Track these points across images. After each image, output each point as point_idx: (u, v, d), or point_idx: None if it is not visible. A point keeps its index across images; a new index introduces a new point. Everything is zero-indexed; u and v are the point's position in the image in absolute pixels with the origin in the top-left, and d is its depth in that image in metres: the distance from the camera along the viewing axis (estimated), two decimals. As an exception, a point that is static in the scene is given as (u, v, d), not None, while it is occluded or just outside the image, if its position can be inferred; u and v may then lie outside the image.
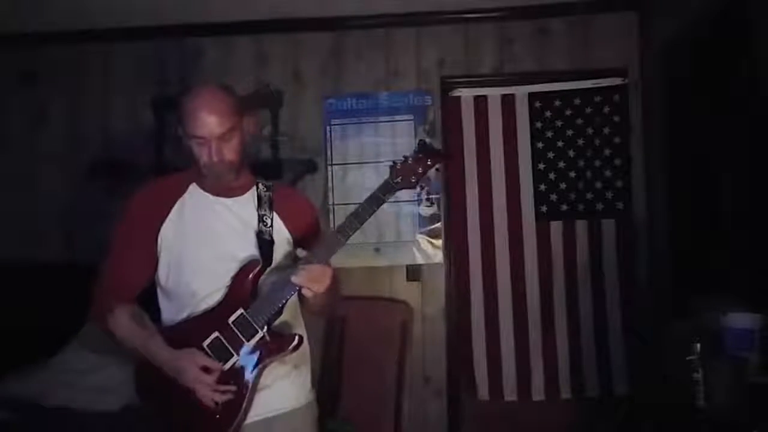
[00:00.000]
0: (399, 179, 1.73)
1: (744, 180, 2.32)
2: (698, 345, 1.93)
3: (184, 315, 1.72)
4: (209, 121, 1.65)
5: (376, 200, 1.72)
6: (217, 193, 1.76)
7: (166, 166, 3.27)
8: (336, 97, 3.37)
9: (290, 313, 1.76)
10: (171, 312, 1.76)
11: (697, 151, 2.68)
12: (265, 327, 1.66)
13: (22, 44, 3.42)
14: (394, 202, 3.32)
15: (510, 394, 3.25)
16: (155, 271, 1.76)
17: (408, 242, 3.31)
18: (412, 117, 3.34)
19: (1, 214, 3.40)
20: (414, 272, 3.30)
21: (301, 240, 1.79)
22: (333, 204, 3.31)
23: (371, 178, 3.33)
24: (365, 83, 3.37)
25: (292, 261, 1.77)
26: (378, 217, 3.27)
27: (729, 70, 2.37)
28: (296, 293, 1.68)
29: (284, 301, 1.67)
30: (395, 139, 3.34)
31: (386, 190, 1.73)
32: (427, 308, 3.31)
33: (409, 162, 1.74)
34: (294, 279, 1.62)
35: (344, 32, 3.37)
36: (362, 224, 1.71)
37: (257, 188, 1.80)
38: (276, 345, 1.68)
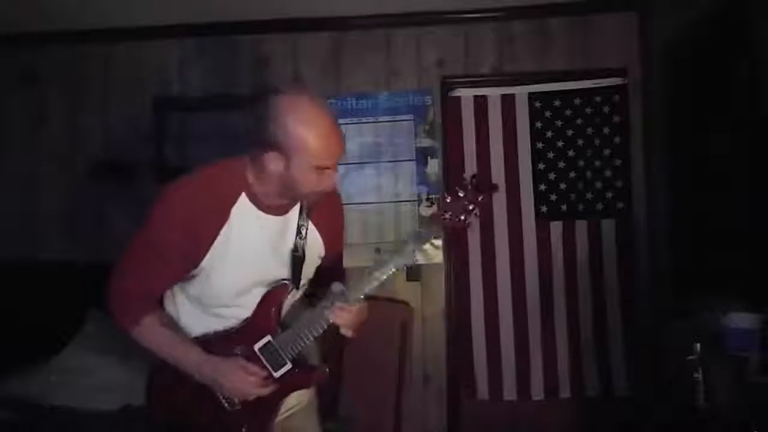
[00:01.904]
0: (447, 215, 1.56)
1: (744, 180, 2.32)
2: (698, 345, 1.93)
3: (208, 324, 1.66)
4: (338, 145, 1.51)
5: (417, 237, 1.57)
6: (269, 211, 1.61)
7: (166, 166, 3.28)
8: (336, 97, 3.37)
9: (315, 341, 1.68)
10: (191, 315, 1.68)
11: (697, 151, 2.68)
12: (295, 359, 1.61)
13: (22, 44, 3.42)
14: (394, 202, 3.33)
15: (509, 394, 3.25)
16: (186, 281, 1.64)
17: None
18: (412, 117, 3.34)
19: (1, 214, 3.40)
20: (414, 272, 3.30)
21: (327, 253, 1.73)
22: (333, 204, 3.31)
23: (371, 178, 3.34)
24: (365, 83, 3.37)
25: (319, 288, 1.72)
26: (378, 218, 3.33)
27: (729, 70, 2.37)
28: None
29: (316, 336, 1.62)
30: (395, 139, 3.34)
31: (430, 226, 1.58)
32: (427, 308, 3.31)
33: (460, 195, 1.55)
34: (333, 318, 1.57)
35: (344, 32, 3.37)
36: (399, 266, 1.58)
37: None
38: (305, 378, 1.65)
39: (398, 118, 3.34)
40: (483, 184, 1.58)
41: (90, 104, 3.44)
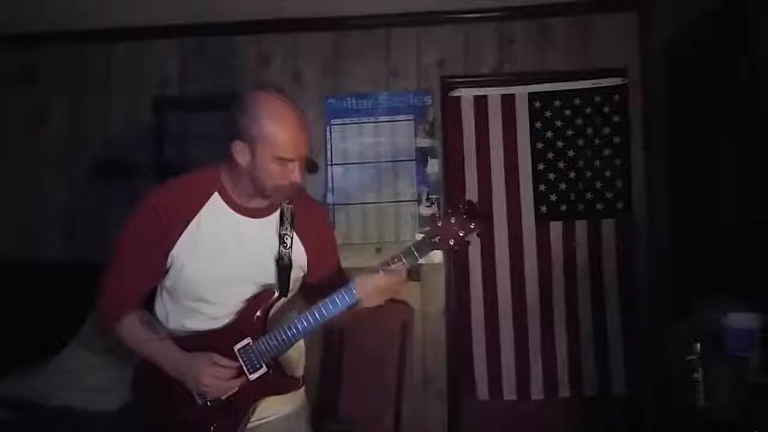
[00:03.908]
0: (437, 239, 1.59)
1: (744, 180, 2.32)
2: (698, 345, 1.93)
3: (187, 323, 1.69)
4: (302, 142, 1.57)
5: (407, 256, 1.61)
6: (243, 212, 1.66)
7: (166, 166, 3.28)
8: (336, 97, 3.37)
9: (294, 348, 1.71)
10: (174, 312, 1.72)
11: (697, 151, 2.68)
12: (271, 363, 1.63)
13: (22, 44, 3.42)
14: (394, 202, 3.33)
15: (509, 394, 3.25)
16: (164, 277, 1.70)
17: (408, 242, 3.30)
18: (412, 117, 3.34)
19: (1, 214, 3.40)
20: (414, 272, 3.30)
21: (314, 262, 1.75)
22: (333, 204, 3.32)
23: (371, 178, 3.34)
24: (365, 83, 3.36)
25: (300, 289, 1.77)
26: (378, 218, 3.33)
27: (729, 70, 2.37)
28: (308, 333, 1.64)
29: (296, 341, 1.63)
30: (395, 139, 3.34)
31: (421, 248, 1.61)
32: (427, 308, 3.31)
33: (452, 221, 1.59)
34: (356, 290, 1.58)
35: (344, 32, 3.37)
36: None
37: (281, 203, 1.70)
38: (278, 385, 1.67)
39: (398, 118, 3.34)
40: (475, 212, 1.61)
41: (90, 104, 3.44)
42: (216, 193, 1.66)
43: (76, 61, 3.44)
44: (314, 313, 1.61)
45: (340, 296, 1.60)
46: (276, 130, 1.54)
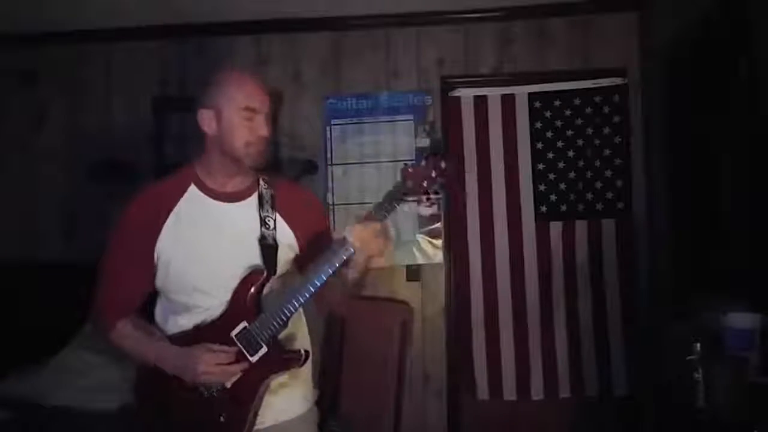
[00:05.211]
0: (409, 183, 1.62)
1: (744, 180, 2.31)
2: (698, 345, 1.93)
3: (183, 321, 1.69)
4: (262, 93, 1.67)
5: (381, 208, 1.63)
6: (221, 198, 1.70)
7: (166, 166, 3.27)
8: (336, 97, 3.37)
9: (295, 325, 1.71)
10: (171, 313, 1.72)
11: (697, 151, 2.68)
12: (270, 342, 1.62)
13: (22, 44, 3.42)
14: (394, 202, 3.33)
15: (509, 394, 3.25)
16: (154, 281, 1.71)
17: (408, 242, 3.31)
18: (412, 117, 3.34)
19: (1, 214, 3.40)
20: (414, 272, 3.31)
21: (305, 241, 1.75)
22: (333, 204, 3.32)
23: (371, 178, 3.34)
24: (365, 83, 3.37)
25: (293, 268, 1.76)
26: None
27: (729, 70, 2.37)
28: (303, 304, 1.63)
29: (291, 314, 1.62)
30: (395, 139, 3.34)
31: (395, 195, 1.63)
32: (427, 308, 3.31)
33: (422, 165, 1.62)
34: (349, 236, 1.56)
35: (344, 32, 3.38)
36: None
37: (259, 187, 1.74)
38: (281, 361, 1.65)
39: (398, 118, 3.35)
40: (446, 155, 1.67)
41: (90, 104, 3.44)
42: (192, 185, 1.70)
43: (76, 61, 3.44)
44: (311, 277, 1.59)
45: (335, 250, 1.58)
46: (238, 85, 1.65)
